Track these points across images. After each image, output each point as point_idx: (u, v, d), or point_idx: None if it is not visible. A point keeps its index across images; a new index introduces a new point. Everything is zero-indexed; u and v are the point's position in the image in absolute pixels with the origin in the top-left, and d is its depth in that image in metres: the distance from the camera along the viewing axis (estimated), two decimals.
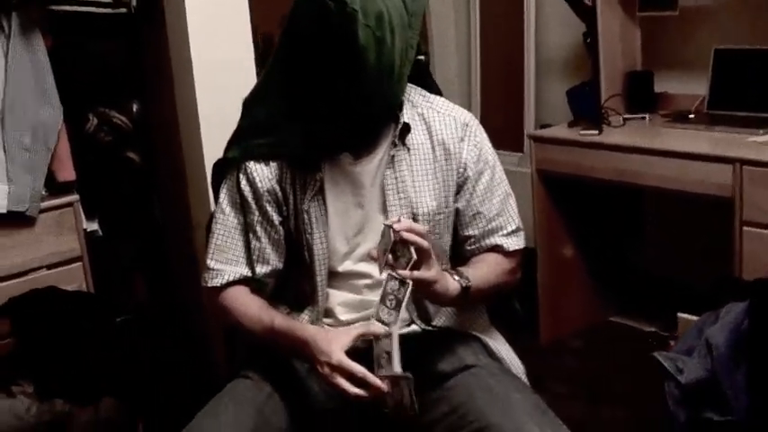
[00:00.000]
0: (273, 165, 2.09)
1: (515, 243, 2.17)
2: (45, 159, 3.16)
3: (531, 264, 3.88)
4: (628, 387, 3.56)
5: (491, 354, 2.15)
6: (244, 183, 2.10)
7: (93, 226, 3.51)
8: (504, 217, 2.16)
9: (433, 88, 2.32)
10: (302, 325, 2.03)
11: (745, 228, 3.15)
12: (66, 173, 3.26)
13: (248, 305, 2.11)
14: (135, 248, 3.93)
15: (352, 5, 1.84)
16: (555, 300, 4.07)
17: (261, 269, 2.13)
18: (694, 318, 2.83)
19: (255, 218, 2.11)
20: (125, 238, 3.87)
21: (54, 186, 3.25)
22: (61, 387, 2.85)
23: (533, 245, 3.91)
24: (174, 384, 3.45)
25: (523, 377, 2.17)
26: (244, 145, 2.13)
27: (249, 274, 2.13)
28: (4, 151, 3.07)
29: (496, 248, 2.16)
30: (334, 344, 1.86)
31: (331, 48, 1.89)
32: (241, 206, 2.12)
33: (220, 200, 2.17)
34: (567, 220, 4.04)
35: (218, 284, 2.13)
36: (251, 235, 2.12)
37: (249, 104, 2.19)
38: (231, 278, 2.12)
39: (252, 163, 2.10)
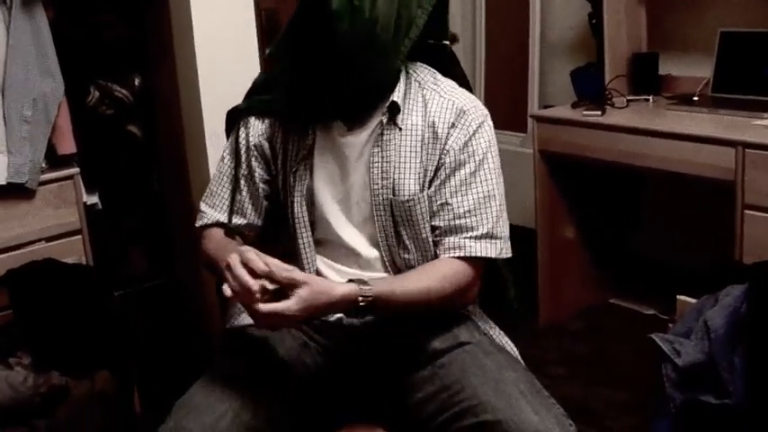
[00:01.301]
0: (269, 122, 2.13)
1: (482, 248, 2.02)
2: (45, 131, 3.15)
3: (531, 245, 3.88)
4: (626, 369, 3.57)
5: (485, 333, 2.12)
6: (242, 135, 2.15)
7: (94, 199, 3.50)
8: (476, 217, 2.02)
9: (459, 75, 2.22)
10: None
11: (746, 211, 3.14)
12: (67, 146, 3.25)
13: (216, 235, 2.18)
14: (135, 222, 3.94)
15: None
16: (554, 281, 4.06)
17: (237, 220, 2.18)
18: (693, 300, 2.82)
19: (242, 171, 2.15)
20: (125, 212, 3.87)
21: (54, 159, 3.24)
22: (58, 359, 2.85)
23: (534, 226, 3.91)
24: (170, 358, 3.46)
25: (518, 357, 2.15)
26: (252, 98, 2.20)
27: (225, 220, 2.19)
28: (4, 123, 3.06)
29: (457, 250, 2.02)
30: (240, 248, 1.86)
31: (310, 11, 1.90)
32: (236, 156, 2.17)
33: (224, 147, 2.23)
34: (568, 202, 4.03)
35: (198, 225, 2.22)
36: (236, 186, 2.17)
37: (268, 60, 2.27)
38: (209, 222, 2.21)
39: (252, 117, 2.15)
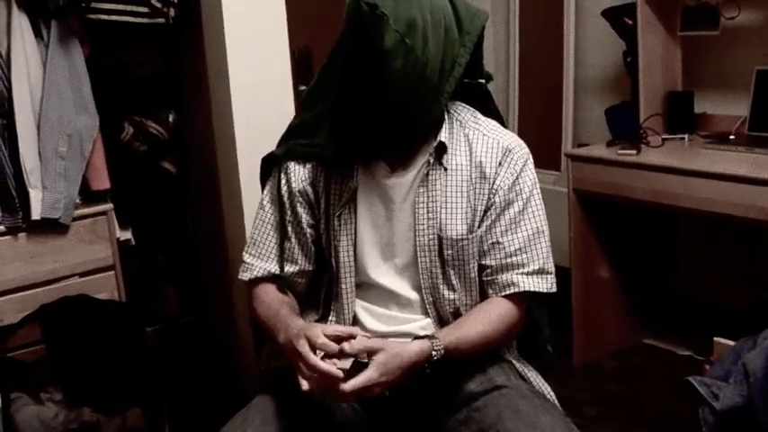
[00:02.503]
0: (310, 166, 2.11)
1: (534, 284, 2.05)
2: (80, 167, 3.16)
3: (565, 284, 3.84)
4: (661, 411, 3.51)
5: (521, 375, 2.11)
6: (283, 181, 2.13)
7: (127, 235, 3.51)
8: (527, 254, 2.05)
9: (494, 114, 2.23)
10: (300, 319, 2.01)
11: None
12: (101, 182, 3.27)
13: (267, 296, 2.13)
14: (168, 258, 3.94)
15: (383, 9, 1.81)
16: (589, 320, 4.02)
17: (289, 268, 2.14)
18: (731, 342, 2.77)
19: (288, 217, 2.13)
20: (158, 248, 3.87)
21: (88, 194, 3.25)
22: (89, 395, 2.84)
23: (568, 265, 3.87)
24: (202, 395, 3.44)
25: (554, 401, 2.12)
26: (290, 143, 2.16)
27: (277, 271, 2.14)
28: (40, 158, 3.08)
29: (511, 286, 2.05)
30: (314, 325, 1.88)
31: (360, 50, 1.88)
32: (279, 204, 2.14)
33: (263, 195, 2.21)
34: (602, 241, 3.99)
35: (247, 279, 2.17)
36: (284, 233, 2.13)
37: (303, 103, 2.22)
38: (259, 274, 2.16)
39: (292, 163, 2.12)
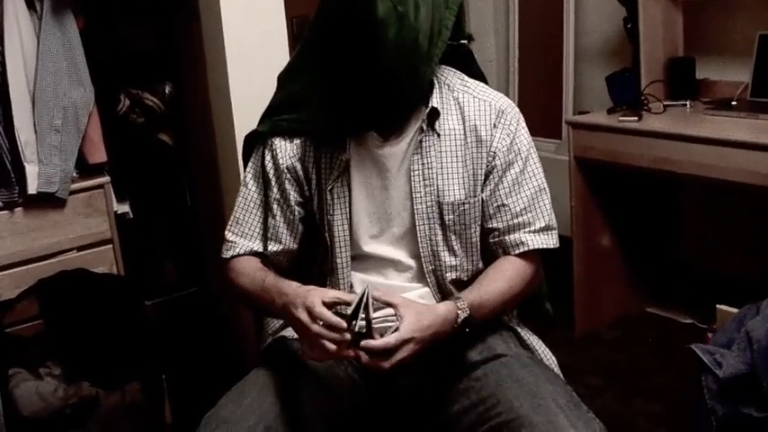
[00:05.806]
0: (298, 142, 2.08)
1: (542, 241, 2.07)
2: (76, 140, 3.14)
3: (566, 253, 3.83)
4: (663, 379, 3.50)
5: (522, 343, 2.11)
6: (268, 158, 2.10)
7: (125, 208, 3.49)
8: (532, 213, 2.06)
9: (477, 74, 2.22)
10: (289, 282, 1.96)
11: None
12: (98, 155, 3.25)
13: (248, 268, 2.10)
14: (166, 231, 3.92)
15: None
16: (590, 290, 4.00)
17: (272, 247, 2.12)
18: (734, 310, 2.75)
19: (274, 195, 2.10)
20: (156, 221, 3.85)
21: (85, 168, 3.23)
22: (88, 370, 2.84)
23: (569, 234, 3.85)
24: (202, 369, 3.44)
25: (556, 369, 2.11)
26: (273, 119, 2.13)
27: (260, 249, 2.12)
28: (35, 132, 3.06)
29: (521, 245, 2.06)
30: (313, 292, 1.83)
31: (351, 20, 1.84)
32: (263, 181, 2.12)
33: (245, 173, 2.18)
34: (604, 209, 3.97)
35: (229, 256, 2.14)
36: (268, 212, 2.11)
37: (283, 79, 2.20)
38: (241, 251, 2.13)
39: (278, 139, 2.09)
